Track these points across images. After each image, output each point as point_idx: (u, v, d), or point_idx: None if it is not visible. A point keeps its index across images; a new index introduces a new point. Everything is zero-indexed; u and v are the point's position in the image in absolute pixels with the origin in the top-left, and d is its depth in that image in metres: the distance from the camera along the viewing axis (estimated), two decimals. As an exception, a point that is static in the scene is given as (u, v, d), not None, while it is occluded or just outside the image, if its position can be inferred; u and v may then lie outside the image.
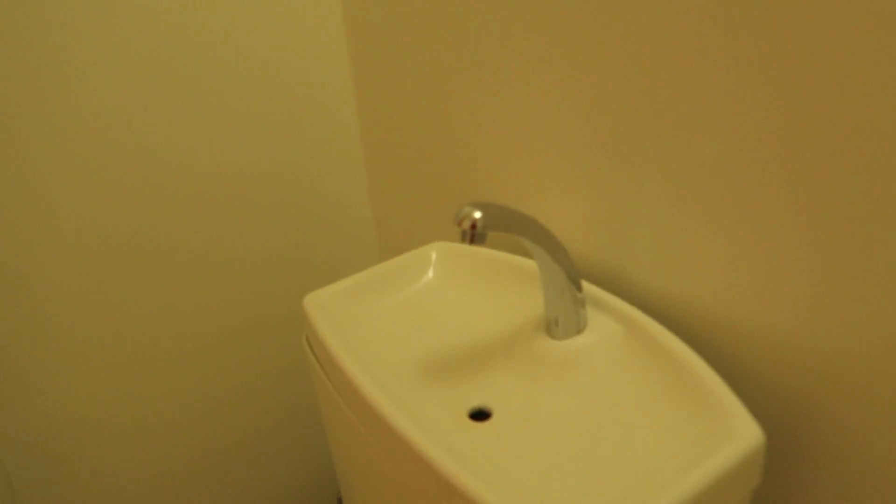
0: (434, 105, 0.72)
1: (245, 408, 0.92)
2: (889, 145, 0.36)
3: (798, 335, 0.45)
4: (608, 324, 0.53)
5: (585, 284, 0.56)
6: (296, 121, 0.83)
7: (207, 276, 0.82)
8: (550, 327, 0.54)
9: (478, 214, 0.44)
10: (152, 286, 0.79)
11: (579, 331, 0.53)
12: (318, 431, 1.01)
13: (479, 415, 0.51)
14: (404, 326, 0.60)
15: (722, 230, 0.47)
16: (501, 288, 0.62)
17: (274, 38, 0.78)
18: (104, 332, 0.77)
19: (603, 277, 0.58)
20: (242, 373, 0.90)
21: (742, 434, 0.40)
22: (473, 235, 0.44)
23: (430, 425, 0.49)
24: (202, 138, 0.77)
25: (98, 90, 0.69)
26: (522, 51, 0.58)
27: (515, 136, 0.63)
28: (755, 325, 0.48)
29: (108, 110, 0.70)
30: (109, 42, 0.68)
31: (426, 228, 0.83)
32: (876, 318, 0.40)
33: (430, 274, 0.65)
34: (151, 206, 0.76)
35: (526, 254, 0.67)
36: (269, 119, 0.81)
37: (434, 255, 0.66)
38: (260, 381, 0.92)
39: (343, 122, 0.87)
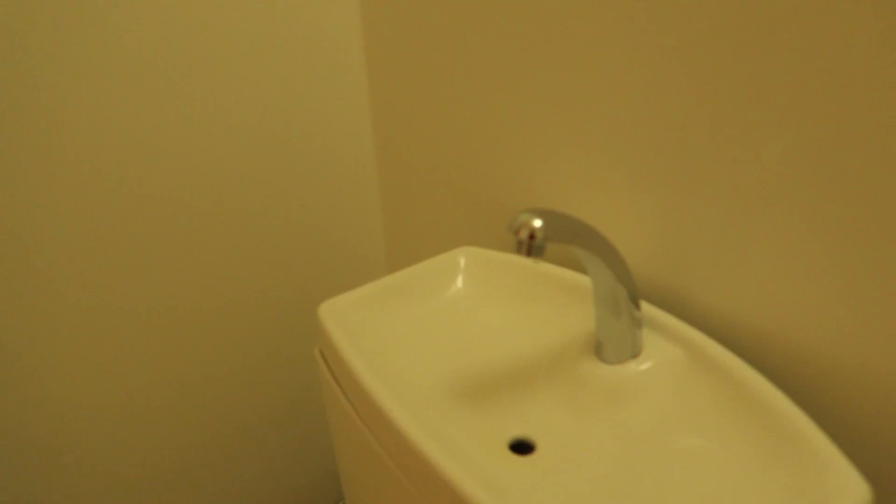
0: (451, 105, 0.66)
1: (241, 412, 0.86)
2: None
3: (887, 369, 0.39)
4: (667, 347, 0.47)
5: (643, 304, 0.50)
6: (306, 120, 0.77)
7: (202, 274, 0.76)
8: (601, 349, 0.48)
9: (538, 223, 0.37)
10: (150, 286, 0.72)
11: (634, 355, 0.47)
12: (316, 434, 0.95)
13: (520, 447, 0.45)
14: (431, 341, 0.54)
15: (789, 248, 0.41)
16: (539, 301, 0.56)
17: (287, 37, 0.72)
18: (101, 326, 0.71)
19: (658, 297, 0.52)
20: (241, 374, 0.84)
21: (847, 489, 0.34)
22: (531, 247, 0.38)
23: (464, 455, 0.43)
24: (209, 140, 0.70)
25: (103, 89, 0.63)
26: (567, 45, 0.52)
27: (554, 138, 0.57)
28: (836, 357, 0.42)
29: (105, 109, 0.63)
30: (110, 42, 0.61)
31: (439, 233, 0.77)
32: None
33: (459, 282, 0.59)
34: (152, 205, 0.69)
35: (564, 262, 0.60)
36: (278, 116, 0.74)
37: (462, 262, 0.60)
38: (258, 382, 0.86)
39: (355, 122, 0.81)
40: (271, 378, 0.87)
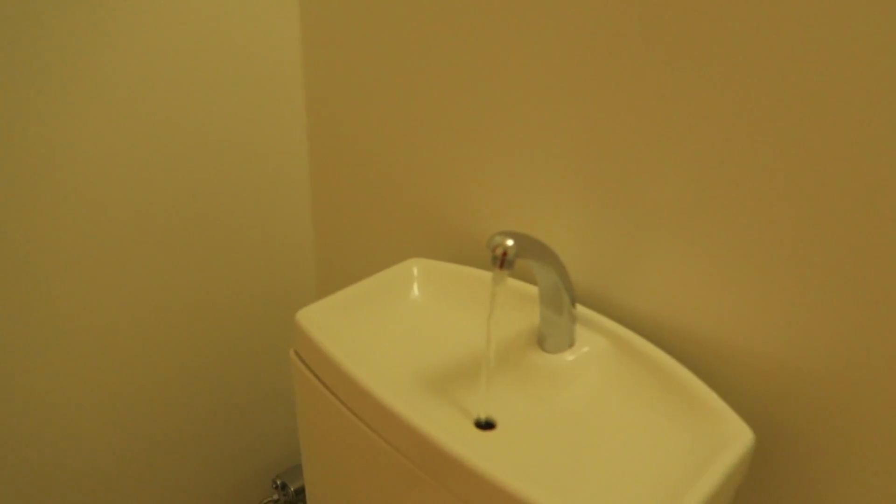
0: (388, 122, 0.75)
1: (191, 411, 0.90)
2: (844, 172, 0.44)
3: (771, 352, 0.53)
4: (596, 339, 0.59)
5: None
6: (238, 126, 0.82)
7: (131, 283, 0.80)
8: (543, 341, 0.59)
9: (510, 242, 0.48)
10: (81, 293, 0.76)
11: (571, 345, 0.58)
12: (265, 429, 1.00)
13: (485, 425, 0.55)
14: (395, 342, 0.62)
15: (685, 257, 0.54)
16: (486, 303, 0.66)
17: (222, 41, 0.76)
18: (66, 323, 0.73)
19: (587, 298, 0.64)
20: (181, 380, 0.88)
21: (738, 436, 0.47)
22: (504, 261, 0.48)
23: (444, 428, 0.52)
24: (138, 146, 0.75)
25: (29, 93, 0.65)
26: (506, 70, 0.62)
27: (489, 160, 0.67)
28: (722, 340, 0.55)
29: (39, 112, 0.67)
30: (38, 45, 0.65)
31: (372, 244, 0.85)
32: (838, 334, 0.48)
33: (415, 290, 0.68)
34: (82, 213, 0.73)
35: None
36: (210, 124, 0.80)
37: (416, 271, 0.69)
38: (193, 386, 0.90)
39: (289, 132, 0.87)
40: (202, 383, 0.91)
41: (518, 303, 0.65)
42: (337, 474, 0.62)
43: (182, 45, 0.73)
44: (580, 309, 0.61)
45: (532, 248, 0.49)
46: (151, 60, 0.71)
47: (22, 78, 0.63)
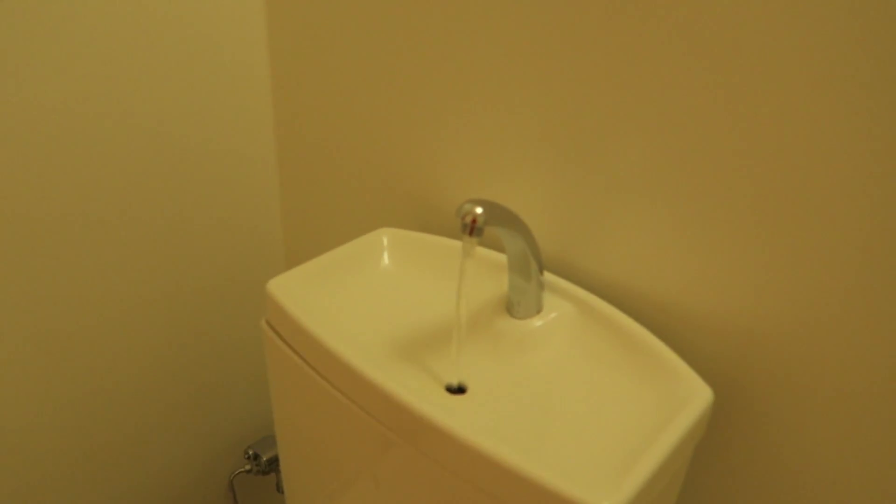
0: (355, 92, 0.75)
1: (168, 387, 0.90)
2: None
3: (729, 315, 0.55)
4: (563, 304, 0.60)
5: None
6: (202, 96, 0.81)
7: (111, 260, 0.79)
8: (512, 308, 0.60)
9: (479, 210, 0.48)
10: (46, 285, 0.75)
11: (538, 311, 0.60)
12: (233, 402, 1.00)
13: (456, 390, 0.56)
14: (365, 310, 0.63)
15: (647, 224, 0.56)
16: (455, 272, 0.67)
17: (186, 13, 0.75)
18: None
19: (554, 265, 0.65)
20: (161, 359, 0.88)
21: (697, 394, 0.49)
22: (473, 228, 0.49)
23: (416, 391, 0.53)
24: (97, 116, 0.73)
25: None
26: (468, 34, 0.63)
27: (456, 130, 0.68)
28: (682, 303, 0.57)
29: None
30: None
31: (341, 221, 0.85)
32: (792, 297, 0.50)
33: (385, 259, 0.69)
34: (48, 205, 0.72)
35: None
36: (173, 96, 0.79)
37: (385, 241, 0.70)
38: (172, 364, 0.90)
39: (255, 105, 0.87)
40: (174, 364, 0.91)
41: (486, 271, 0.66)
42: (311, 442, 0.63)
43: (143, 6, 0.71)
44: (547, 276, 0.62)
45: (500, 215, 0.50)
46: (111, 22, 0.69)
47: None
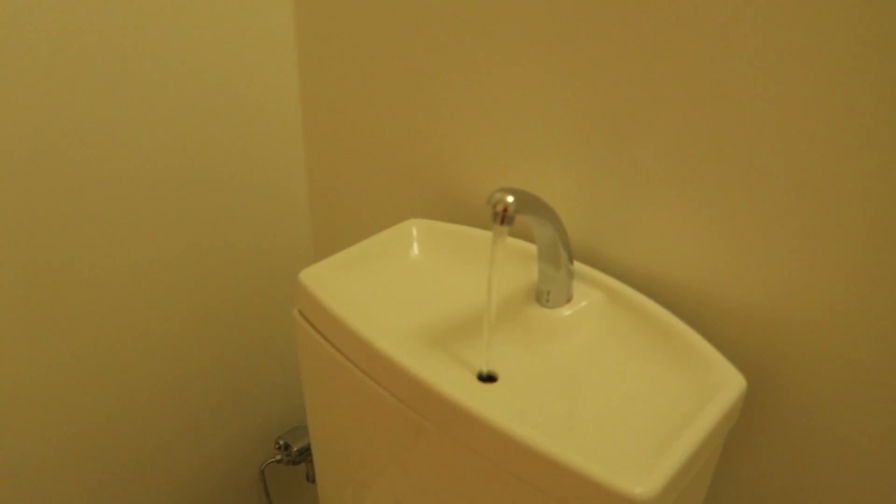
0: (383, 82, 0.75)
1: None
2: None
3: (761, 302, 0.55)
4: (593, 293, 0.61)
5: (570, 259, 0.63)
6: (230, 86, 0.82)
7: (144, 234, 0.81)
8: (542, 297, 0.60)
9: (510, 199, 0.49)
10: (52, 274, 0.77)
11: (568, 300, 0.60)
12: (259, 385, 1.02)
13: (486, 378, 0.57)
14: (397, 300, 0.64)
15: (675, 215, 0.56)
16: (484, 262, 0.67)
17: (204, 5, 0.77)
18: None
19: (583, 254, 0.65)
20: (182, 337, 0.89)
21: (730, 382, 0.49)
22: (504, 217, 0.49)
23: (449, 380, 0.54)
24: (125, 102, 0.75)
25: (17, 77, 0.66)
26: (504, 38, 0.63)
27: (489, 119, 0.68)
28: (710, 291, 0.57)
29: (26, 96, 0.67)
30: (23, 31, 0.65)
31: (370, 212, 0.86)
32: (825, 284, 0.50)
33: (415, 249, 0.69)
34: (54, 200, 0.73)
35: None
36: (200, 82, 0.80)
37: (415, 231, 0.70)
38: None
39: (283, 96, 0.87)
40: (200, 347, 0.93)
41: (516, 261, 0.66)
42: (343, 429, 0.64)
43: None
44: (577, 265, 0.62)
45: (531, 204, 0.51)
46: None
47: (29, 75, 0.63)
